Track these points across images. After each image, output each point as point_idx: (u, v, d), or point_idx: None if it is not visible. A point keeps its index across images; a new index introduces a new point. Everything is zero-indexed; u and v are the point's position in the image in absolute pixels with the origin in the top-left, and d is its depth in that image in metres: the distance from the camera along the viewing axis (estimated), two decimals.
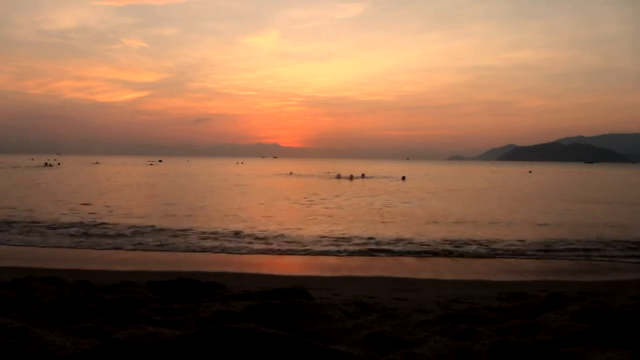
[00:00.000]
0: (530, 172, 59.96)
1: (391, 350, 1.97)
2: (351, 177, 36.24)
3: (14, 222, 10.23)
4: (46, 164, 58.15)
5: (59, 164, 61.05)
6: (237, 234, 9.20)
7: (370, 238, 8.87)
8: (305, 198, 18.17)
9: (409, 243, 8.45)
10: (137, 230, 9.35)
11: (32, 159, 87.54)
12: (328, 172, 46.76)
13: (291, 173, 45.72)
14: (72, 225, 9.91)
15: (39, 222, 10.21)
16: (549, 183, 34.63)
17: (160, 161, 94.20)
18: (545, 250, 7.92)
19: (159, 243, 8.12)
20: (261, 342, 1.87)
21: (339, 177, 37.11)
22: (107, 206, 14.00)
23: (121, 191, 20.69)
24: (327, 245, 8.24)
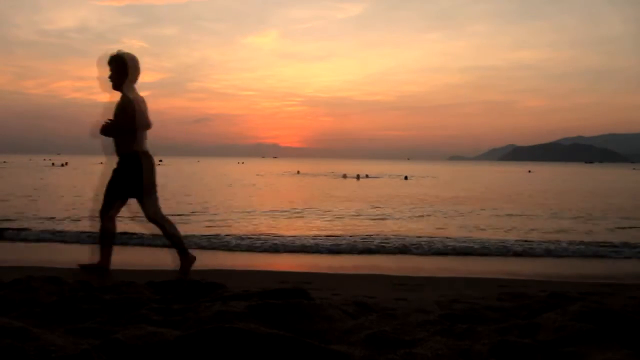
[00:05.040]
0: (529, 171, 60.17)
1: (391, 350, 1.97)
2: (358, 177, 36.64)
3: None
4: (53, 163, 57.73)
5: (66, 163, 60.64)
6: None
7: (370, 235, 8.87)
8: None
9: (412, 241, 8.45)
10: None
11: (30, 159, 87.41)
12: (332, 172, 47.17)
13: (298, 172, 46.30)
14: None
15: None
16: (549, 182, 34.69)
17: (160, 161, 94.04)
18: (546, 250, 7.92)
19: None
20: (261, 342, 1.87)
21: (345, 176, 37.56)
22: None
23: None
24: (332, 243, 8.24)
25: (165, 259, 5.39)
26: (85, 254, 5.32)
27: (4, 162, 66.57)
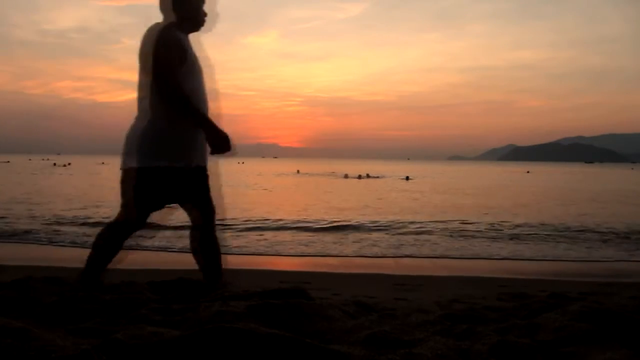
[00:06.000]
0: (528, 172, 60.26)
1: (391, 350, 1.97)
2: (359, 177, 36.85)
3: None
4: (55, 164, 57.19)
5: (69, 164, 59.81)
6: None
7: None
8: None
9: (413, 241, 8.45)
10: None
11: (30, 159, 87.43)
12: (333, 172, 47.25)
13: (298, 171, 46.41)
14: None
15: None
16: (547, 183, 34.71)
17: None
18: (546, 250, 7.92)
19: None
20: (261, 342, 1.87)
21: (346, 176, 37.76)
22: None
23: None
24: (334, 243, 8.23)
25: (165, 259, 5.40)
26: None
27: (7, 161, 66.62)
